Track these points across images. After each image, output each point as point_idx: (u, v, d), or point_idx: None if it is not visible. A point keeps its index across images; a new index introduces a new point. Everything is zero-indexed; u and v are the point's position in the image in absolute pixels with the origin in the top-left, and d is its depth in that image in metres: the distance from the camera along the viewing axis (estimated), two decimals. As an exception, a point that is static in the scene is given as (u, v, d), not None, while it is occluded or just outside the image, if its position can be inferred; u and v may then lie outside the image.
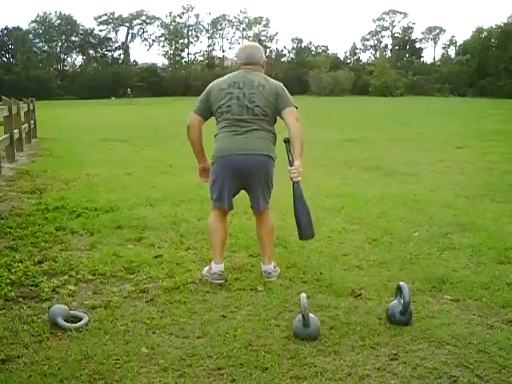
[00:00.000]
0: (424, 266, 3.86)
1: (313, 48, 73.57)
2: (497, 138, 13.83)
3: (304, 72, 59.66)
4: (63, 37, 68.87)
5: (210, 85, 3.64)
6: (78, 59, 71.72)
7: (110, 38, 72.07)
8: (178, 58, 71.86)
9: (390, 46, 76.79)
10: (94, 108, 33.86)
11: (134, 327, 2.90)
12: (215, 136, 3.59)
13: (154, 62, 73.28)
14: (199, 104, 3.62)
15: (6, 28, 64.96)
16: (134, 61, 72.87)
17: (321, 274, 3.68)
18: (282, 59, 69.31)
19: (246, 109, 3.45)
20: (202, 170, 3.83)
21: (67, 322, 2.89)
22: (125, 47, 72.61)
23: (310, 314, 2.76)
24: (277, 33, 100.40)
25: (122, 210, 5.50)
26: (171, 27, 71.80)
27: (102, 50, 71.43)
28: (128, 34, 73.13)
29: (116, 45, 72.58)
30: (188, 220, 5.11)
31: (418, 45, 76.03)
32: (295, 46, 72.18)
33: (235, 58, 3.80)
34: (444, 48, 76.87)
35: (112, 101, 48.14)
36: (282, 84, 3.61)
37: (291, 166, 3.34)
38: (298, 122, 3.44)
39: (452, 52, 74.68)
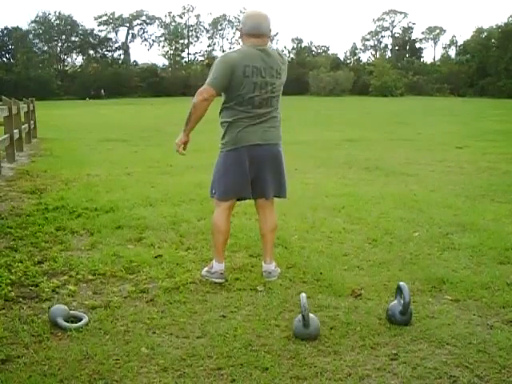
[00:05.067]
0: (424, 266, 3.86)
1: (313, 48, 73.58)
2: (497, 138, 13.83)
3: (304, 72, 59.58)
4: (63, 37, 68.88)
5: (233, 62, 3.32)
6: (78, 59, 71.84)
7: (110, 38, 72.13)
8: (178, 58, 71.85)
9: (390, 46, 76.80)
10: (94, 108, 33.86)
11: (133, 327, 2.90)
12: (227, 122, 3.44)
13: (154, 62, 73.37)
14: (218, 80, 3.33)
15: (5, 28, 65.01)
16: (134, 61, 72.94)
17: (321, 274, 3.68)
18: (282, 59, 69.18)
19: (266, 100, 3.42)
20: (184, 142, 3.53)
21: (67, 322, 2.89)
22: (125, 47, 72.60)
23: (310, 314, 2.76)
24: (277, 33, 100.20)
25: (122, 210, 5.49)
26: (171, 27, 71.80)
27: (102, 50, 71.41)
28: (128, 34, 73.19)
29: (116, 45, 72.65)
30: (188, 220, 5.11)
31: (418, 45, 76.04)
32: (295, 46, 72.17)
33: (240, 26, 3.53)
34: (444, 48, 76.95)
35: (104, 101, 47.96)
36: (287, 61, 3.59)
37: None
38: None
39: (452, 52, 74.76)
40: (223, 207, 3.56)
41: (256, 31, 3.39)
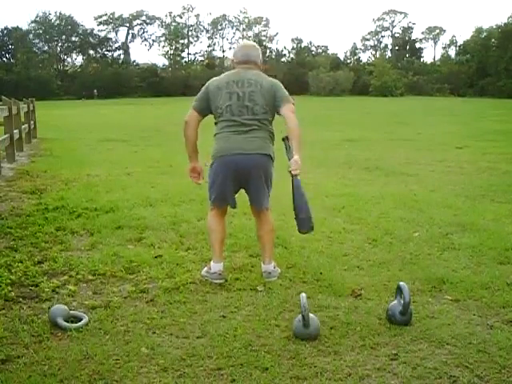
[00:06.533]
0: (424, 266, 3.86)
1: (313, 48, 73.53)
2: (497, 138, 13.84)
3: (304, 72, 59.54)
4: (63, 37, 68.83)
5: (208, 83, 3.64)
6: (78, 59, 71.82)
7: (110, 38, 72.10)
8: (178, 58, 71.84)
9: (390, 46, 76.77)
10: (94, 108, 33.86)
11: (133, 327, 2.90)
12: (214, 135, 3.61)
13: (154, 62, 73.30)
14: (198, 101, 3.63)
15: (5, 28, 64.98)
16: (134, 61, 72.89)
17: (321, 274, 3.68)
18: (282, 59, 69.17)
19: (246, 108, 3.47)
20: (192, 169, 3.75)
21: (67, 322, 2.89)
22: (125, 47, 72.58)
23: (310, 314, 2.76)
24: (277, 33, 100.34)
25: (122, 210, 5.50)
26: (172, 27, 71.81)
27: (102, 50, 71.41)
28: (128, 34, 73.18)
29: (116, 45, 72.62)
30: (188, 220, 5.11)
31: (418, 45, 75.98)
32: (295, 46, 72.09)
33: (232, 57, 3.80)
34: (444, 48, 76.92)
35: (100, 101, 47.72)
36: (277, 81, 3.63)
37: (290, 160, 3.36)
38: (295, 117, 3.48)
39: (452, 52, 74.72)
40: (215, 212, 3.67)
41: (245, 58, 3.62)
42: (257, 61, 3.66)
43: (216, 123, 3.62)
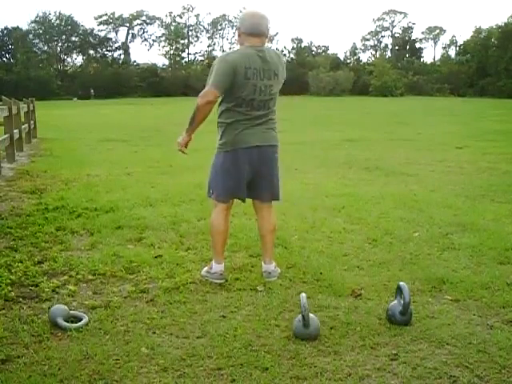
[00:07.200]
0: (424, 266, 3.86)
1: (313, 48, 73.52)
2: (497, 138, 13.84)
3: (304, 72, 59.52)
4: (63, 37, 68.83)
5: (235, 64, 3.29)
6: (78, 59, 71.81)
7: (110, 38, 72.07)
8: (178, 59, 71.83)
9: (390, 46, 76.76)
10: (94, 108, 33.85)
11: (133, 327, 2.90)
12: (225, 123, 3.44)
13: (154, 62, 73.25)
14: (221, 81, 3.30)
15: (5, 28, 65.00)
16: (134, 61, 72.86)
17: (321, 274, 3.68)
18: (282, 59, 69.11)
19: (264, 103, 3.42)
20: (185, 142, 3.55)
21: (67, 322, 2.89)
22: (125, 47, 72.57)
23: (310, 314, 2.76)
24: (277, 33, 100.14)
25: (122, 210, 5.50)
26: (172, 27, 71.80)
27: (102, 50, 71.40)
28: (128, 34, 73.17)
29: (116, 45, 72.58)
30: (188, 220, 5.11)
31: (418, 45, 75.99)
32: (295, 46, 72.10)
33: (238, 25, 3.49)
34: (444, 48, 76.91)
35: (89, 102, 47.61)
36: (284, 61, 3.59)
37: None
38: None
39: (452, 52, 74.72)
40: (221, 208, 3.57)
41: (255, 31, 3.39)
42: (267, 32, 3.43)
43: (227, 108, 3.42)
